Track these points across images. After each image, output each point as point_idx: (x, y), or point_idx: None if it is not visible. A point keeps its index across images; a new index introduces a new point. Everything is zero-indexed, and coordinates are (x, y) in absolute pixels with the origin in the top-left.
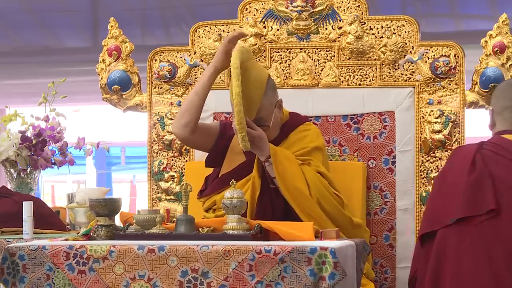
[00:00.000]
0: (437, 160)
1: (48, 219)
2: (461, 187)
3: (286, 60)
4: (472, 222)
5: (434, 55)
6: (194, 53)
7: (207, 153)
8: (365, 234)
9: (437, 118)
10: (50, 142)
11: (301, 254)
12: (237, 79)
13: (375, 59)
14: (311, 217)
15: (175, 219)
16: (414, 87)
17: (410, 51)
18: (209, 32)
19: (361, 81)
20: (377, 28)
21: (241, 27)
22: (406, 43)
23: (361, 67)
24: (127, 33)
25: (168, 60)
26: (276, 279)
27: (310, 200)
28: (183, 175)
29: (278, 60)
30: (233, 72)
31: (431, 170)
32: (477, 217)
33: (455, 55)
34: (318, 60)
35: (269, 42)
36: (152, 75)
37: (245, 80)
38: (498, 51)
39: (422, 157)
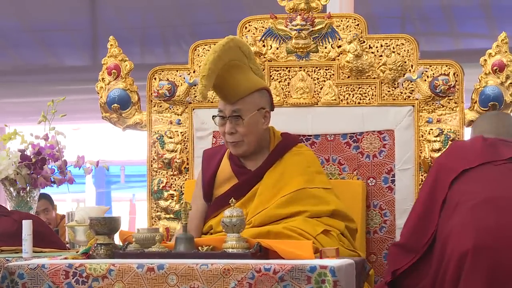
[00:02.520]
0: None
1: (47, 238)
2: (478, 146)
3: (286, 79)
4: (494, 164)
5: (433, 74)
6: (194, 71)
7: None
8: None
9: (436, 136)
10: (50, 160)
11: (301, 273)
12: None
13: (374, 78)
14: None
15: (174, 238)
16: (413, 106)
17: (410, 70)
18: (208, 50)
19: (360, 99)
20: (377, 47)
21: None
22: (405, 62)
23: (360, 86)
24: (127, 52)
25: (168, 79)
26: None
27: None
28: (183, 193)
29: (277, 79)
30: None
31: None
32: (498, 161)
33: (454, 74)
34: (318, 78)
35: (269, 60)
36: (151, 94)
37: (242, 71)
38: (497, 70)
39: (422, 175)
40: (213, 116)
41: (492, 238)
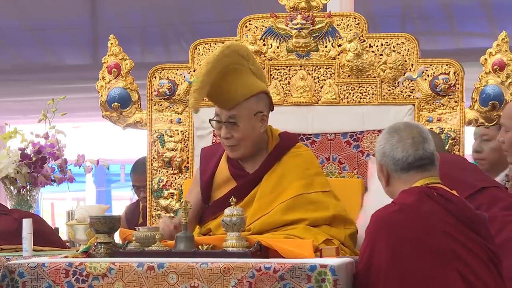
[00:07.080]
0: None
1: (47, 237)
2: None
3: (286, 78)
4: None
5: (433, 73)
6: (194, 70)
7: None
8: None
9: None
10: (50, 159)
11: (301, 272)
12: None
13: (374, 77)
14: None
15: (174, 237)
16: (413, 105)
17: (410, 69)
18: (208, 49)
19: (360, 98)
20: (377, 46)
21: None
22: (405, 61)
23: (360, 85)
24: (127, 51)
25: (168, 78)
26: None
27: None
28: (183, 192)
29: (277, 78)
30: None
31: None
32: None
33: (454, 73)
34: (318, 77)
35: (269, 59)
36: (151, 93)
37: (239, 75)
38: (497, 69)
39: None
40: (209, 120)
41: None
